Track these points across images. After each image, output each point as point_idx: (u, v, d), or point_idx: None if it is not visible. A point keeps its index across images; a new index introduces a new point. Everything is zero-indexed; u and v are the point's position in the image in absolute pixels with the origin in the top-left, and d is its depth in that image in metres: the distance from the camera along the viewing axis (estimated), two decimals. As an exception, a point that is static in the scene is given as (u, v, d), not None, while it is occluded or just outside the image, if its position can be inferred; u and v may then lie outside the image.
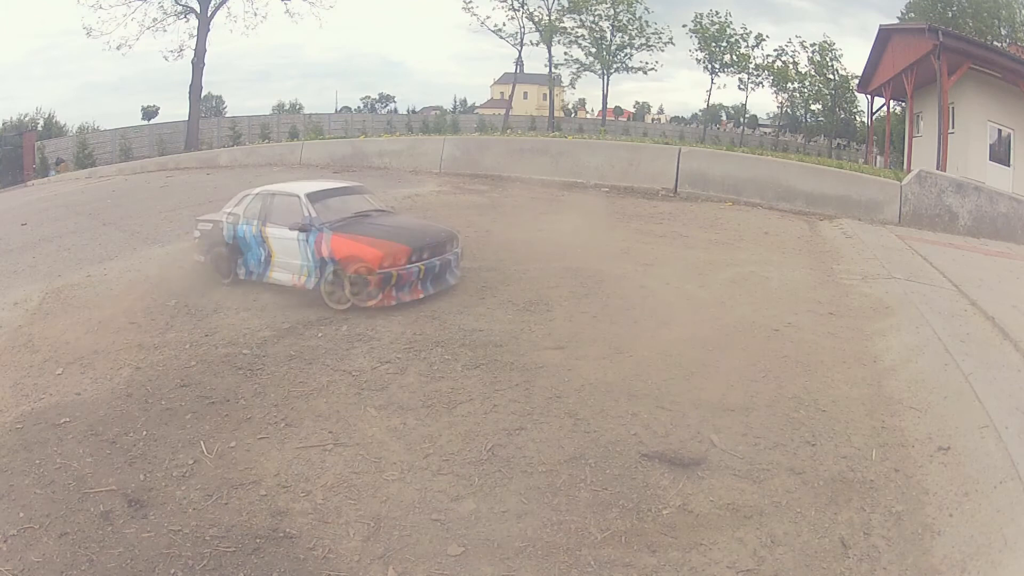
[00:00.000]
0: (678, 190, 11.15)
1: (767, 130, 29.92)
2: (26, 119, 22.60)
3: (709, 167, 11.16)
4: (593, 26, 27.20)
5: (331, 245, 5.82)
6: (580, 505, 3.30)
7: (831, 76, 27.37)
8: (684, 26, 27.54)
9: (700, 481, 3.47)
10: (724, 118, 31.24)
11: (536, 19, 26.93)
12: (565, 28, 27.15)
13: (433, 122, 26.89)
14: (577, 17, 27.02)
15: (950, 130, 17.11)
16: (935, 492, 3.33)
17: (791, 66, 27.56)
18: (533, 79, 29.15)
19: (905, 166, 19.11)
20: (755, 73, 27.84)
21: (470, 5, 26.53)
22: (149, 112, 25.44)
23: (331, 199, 6.49)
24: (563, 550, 3.02)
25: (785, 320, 5.53)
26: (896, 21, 23.58)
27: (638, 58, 27.46)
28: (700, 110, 30.31)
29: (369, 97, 30.64)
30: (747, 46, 27.30)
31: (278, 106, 28.41)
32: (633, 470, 3.55)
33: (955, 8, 23.44)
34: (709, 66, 27.64)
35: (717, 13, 27.06)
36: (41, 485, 3.45)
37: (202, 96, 24.32)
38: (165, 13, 23.00)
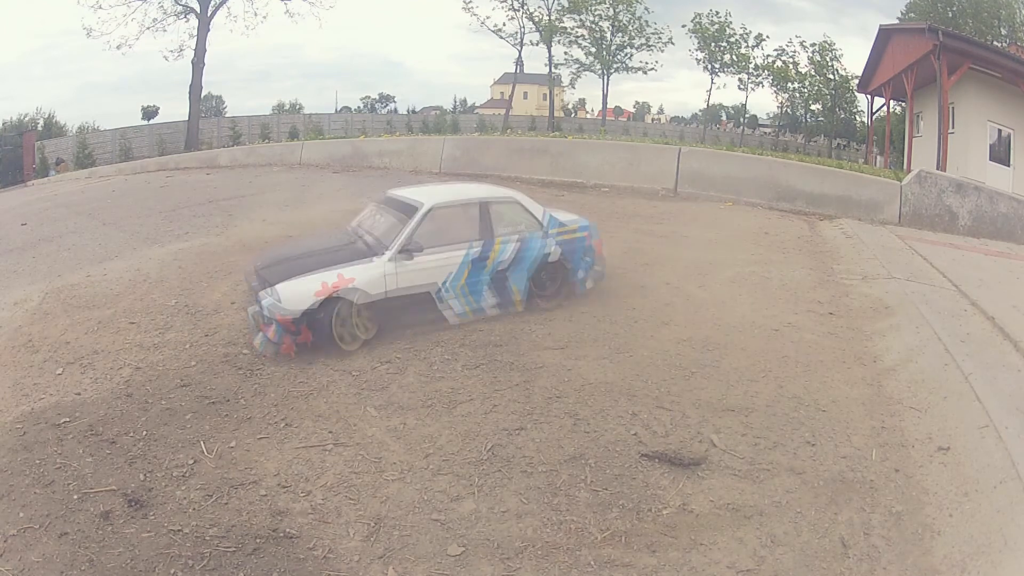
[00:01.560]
0: (678, 190, 11.16)
1: (767, 130, 29.99)
2: (26, 119, 22.66)
3: (709, 167, 11.17)
4: (593, 26, 27.26)
5: None
6: (580, 505, 3.30)
7: (831, 76, 27.42)
8: (684, 26, 27.67)
9: (700, 481, 3.47)
10: (724, 118, 31.32)
11: (536, 19, 27.00)
12: (565, 28, 27.22)
13: (433, 122, 26.95)
14: (577, 17, 27.09)
15: (950, 130, 17.13)
16: (935, 492, 3.33)
17: (791, 66, 27.62)
18: (533, 79, 29.22)
19: (905, 166, 19.15)
20: (755, 73, 27.92)
21: (470, 5, 26.69)
22: (149, 112, 25.52)
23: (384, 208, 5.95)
24: (563, 550, 3.02)
25: (785, 320, 5.53)
26: (896, 21, 23.66)
27: (638, 58, 27.57)
28: (700, 110, 30.44)
29: (369, 97, 30.76)
30: (747, 46, 27.37)
31: (278, 106, 28.53)
32: (633, 470, 3.55)
33: (955, 8, 23.48)
34: (709, 66, 27.73)
35: (717, 13, 27.17)
36: (41, 485, 3.45)
37: (202, 96, 24.39)
38: (165, 13, 23.09)
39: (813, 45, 27.07)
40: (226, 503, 3.32)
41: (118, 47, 22.77)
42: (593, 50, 27.44)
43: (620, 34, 27.32)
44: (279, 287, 4.90)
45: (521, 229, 5.65)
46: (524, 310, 5.55)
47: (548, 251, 5.65)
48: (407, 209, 5.48)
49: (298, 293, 4.83)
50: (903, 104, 22.21)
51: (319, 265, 5.08)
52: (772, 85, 28.17)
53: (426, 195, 5.66)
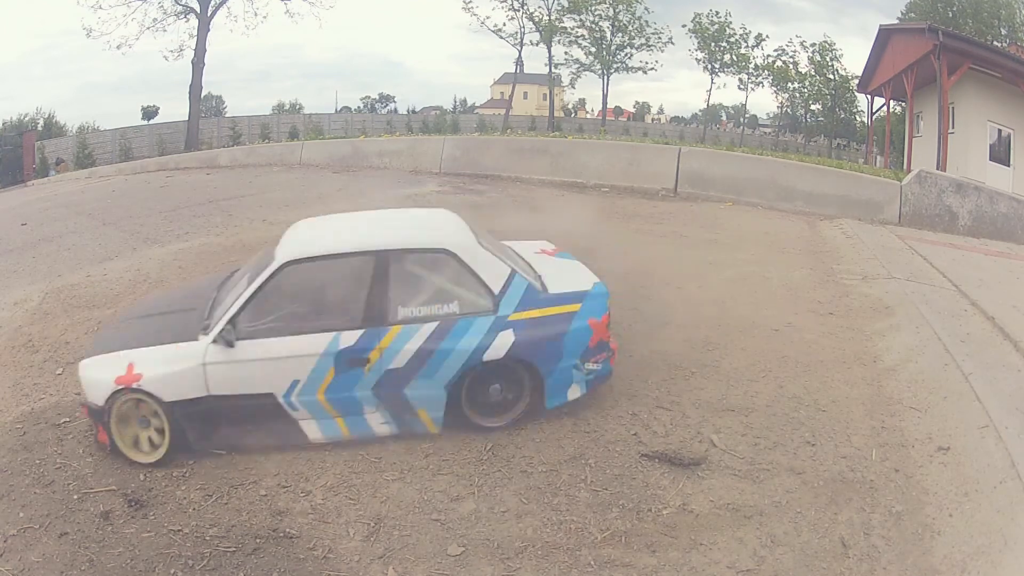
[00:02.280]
0: (678, 190, 11.15)
1: (767, 130, 29.98)
2: (26, 119, 22.63)
3: (709, 167, 11.16)
4: (593, 26, 27.23)
5: None
6: (580, 505, 3.30)
7: (831, 76, 27.39)
8: (684, 26, 27.60)
9: (700, 481, 3.47)
10: (724, 118, 31.29)
11: (536, 19, 26.96)
12: (565, 28, 27.18)
13: (433, 122, 26.94)
14: (577, 17, 27.05)
15: (950, 130, 17.12)
16: (935, 492, 3.33)
17: (791, 66, 27.59)
18: (533, 79, 29.17)
19: (905, 166, 19.14)
20: (755, 73, 27.88)
21: (470, 5, 26.57)
22: (149, 112, 25.47)
23: None
24: (563, 550, 3.02)
25: (785, 320, 5.53)
26: (896, 21, 23.63)
27: (638, 58, 27.52)
28: (700, 110, 30.40)
29: (369, 97, 30.68)
30: (747, 46, 27.34)
31: (278, 106, 28.46)
32: (633, 470, 3.55)
33: (955, 8, 23.47)
34: (709, 66, 27.68)
35: (717, 13, 27.11)
36: (41, 485, 3.46)
37: (202, 96, 24.36)
38: (165, 13, 23.07)
39: (813, 45, 27.04)
40: (226, 503, 3.33)
41: (118, 47, 22.75)
42: (593, 50, 27.42)
43: (620, 34, 27.30)
44: (84, 364, 3.75)
45: (451, 300, 3.68)
46: (445, 430, 3.74)
47: (489, 346, 3.63)
48: (265, 261, 3.77)
49: (99, 376, 3.58)
50: (903, 104, 22.20)
51: (153, 334, 3.75)
52: (772, 85, 28.14)
53: (305, 239, 3.95)
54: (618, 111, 30.66)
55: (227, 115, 26.86)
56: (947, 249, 8.27)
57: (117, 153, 21.96)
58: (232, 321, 3.54)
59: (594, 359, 3.90)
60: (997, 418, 3.65)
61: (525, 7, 26.72)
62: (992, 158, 16.97)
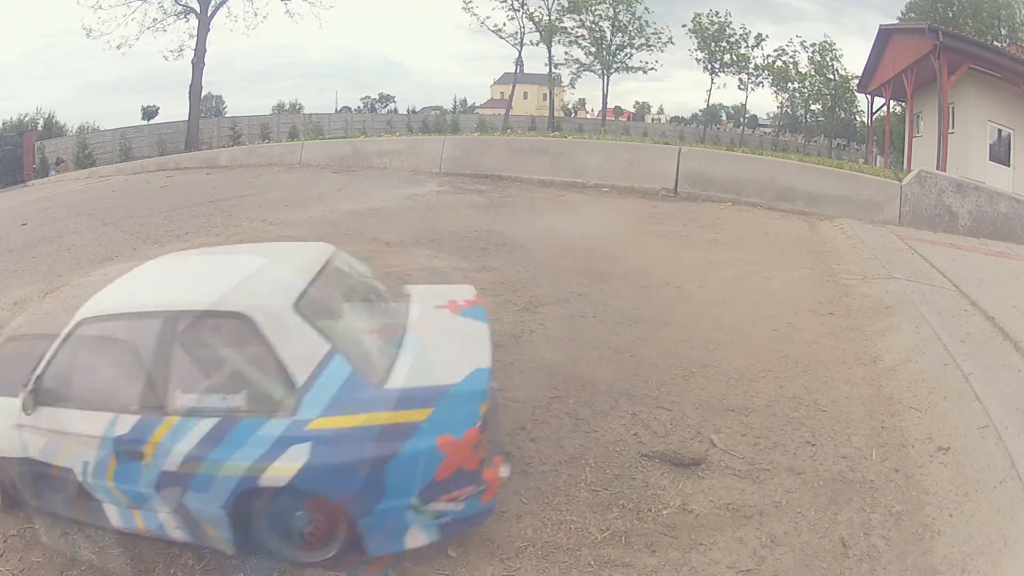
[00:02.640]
0: (678, 190, 11.16)
1: (767, 130, 30.03)
2: (26, 119, 22.69)
3: (709, 167, 11.17)
4: (593, 26, 27.27)
5: None
6: (580, 505, 3.29)
7: (831, 76, 27.43)
8: (684, 26, 27.67)
9: (700, 481, 3.47)
10: (724, 118, 31.33)
11: (536, 19, 27.00)
12: (565, 28, 27.24)
13: (433, 122, 26.99)
14: (577, 17, 27.10)
15: (950, 130, 17.14)
16: (935, 492, 3.33)
17: (791, 66, 27.63)
18: (533, 79, 29.22)
19: (905, 166, 19.16)
20: (755, 73, 27.92)
21: (470, 5, 26.65)
22: (149, 112, 25.52)
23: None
24: (563, 550, 3.01)
25: (785, 320, 5.53)
26: (896, 21, 23.67)
27: (638, 58, 27.59)
28: (700, 110, 30.47)
29: (369, 97, 30.76)
30: (747, 46, 27.38)
31: (278, 106, 28.54)
32: (633, 470, 3.55)
33: (955, 8, 23.50)
34: (709, 66, 27.74)
35: (717, 13, 27.18)
36: (41, 485, 3.45)
37: (202, 96, 24.41)
38: (165, 13, 23.15)
39: (813, 45, 27.11)
40: (226, 503, 3.32)
41: (118, 47, 22.85)
42: (593, 50, 27.46)
43: (620, 34, 27.34)
44: None
45: (240, 388, 2.68)
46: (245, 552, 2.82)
47: (268, 466, 2.57)
48: None
49: None
50: (903, 104, 22.22)
51: (3, 379, 3.24)
52: (772, 85, 28.20)
53: (113, 288, 3.31)
54: (618, 111, 30.72)
55: (227, 115, 26.94)
56: (947, 249, 8.27)
57: (117, 153, 22.01)
58: (36, 382, 2.91)
59: (448, 496, 2.65)
60: (997, 418, 3.64)
61: (525, 7, 26.78)
62: (992, 158, 16.98)
